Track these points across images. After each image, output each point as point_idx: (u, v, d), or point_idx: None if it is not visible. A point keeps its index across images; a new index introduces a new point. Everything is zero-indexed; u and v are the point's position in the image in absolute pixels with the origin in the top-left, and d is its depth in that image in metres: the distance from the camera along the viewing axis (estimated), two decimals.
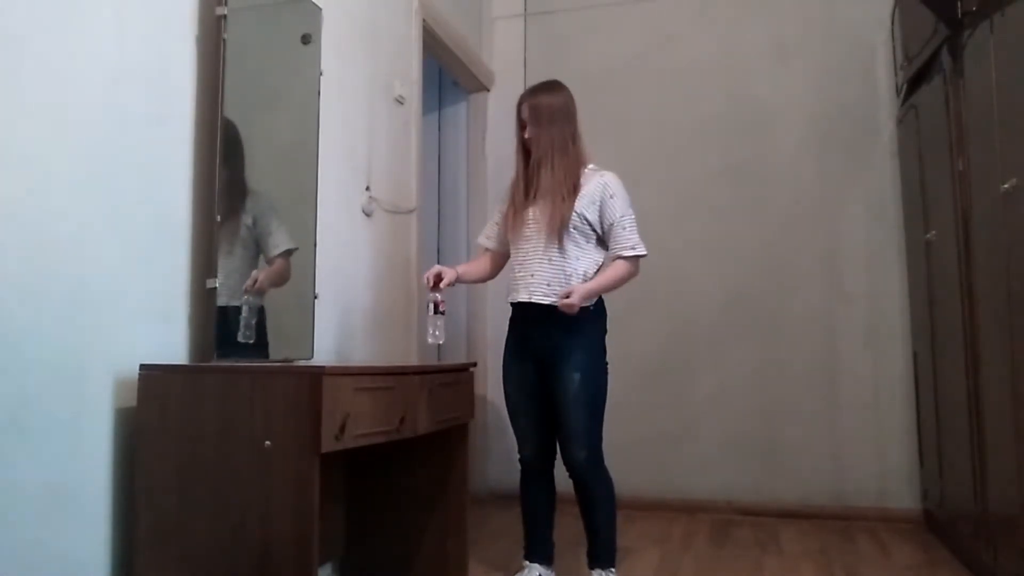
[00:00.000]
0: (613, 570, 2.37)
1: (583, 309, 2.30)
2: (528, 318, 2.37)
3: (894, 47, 3.56)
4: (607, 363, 2.38)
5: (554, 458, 2.41)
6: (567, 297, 2.25)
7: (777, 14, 3.87)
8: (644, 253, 2.36)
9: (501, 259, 2.56)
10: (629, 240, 2.34)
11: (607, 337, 2.40)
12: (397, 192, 3.14)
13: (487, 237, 2.58)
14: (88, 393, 1.70)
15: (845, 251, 3.69)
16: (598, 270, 2.36)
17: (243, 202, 2.18)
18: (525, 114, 2.39)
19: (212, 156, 2.02)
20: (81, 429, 1.68)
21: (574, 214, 2.30)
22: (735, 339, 3.77)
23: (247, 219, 2.19)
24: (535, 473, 2.41)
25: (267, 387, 1.69)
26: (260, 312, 2.23)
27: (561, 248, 2.32)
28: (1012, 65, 2.21)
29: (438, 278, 2.37)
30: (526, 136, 2.39)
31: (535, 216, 2.36)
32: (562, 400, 2.30)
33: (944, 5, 2.67)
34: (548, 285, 2.32)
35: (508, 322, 2.46)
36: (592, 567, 2.37)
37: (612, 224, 2.34)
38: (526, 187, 2.40)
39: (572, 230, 2.31)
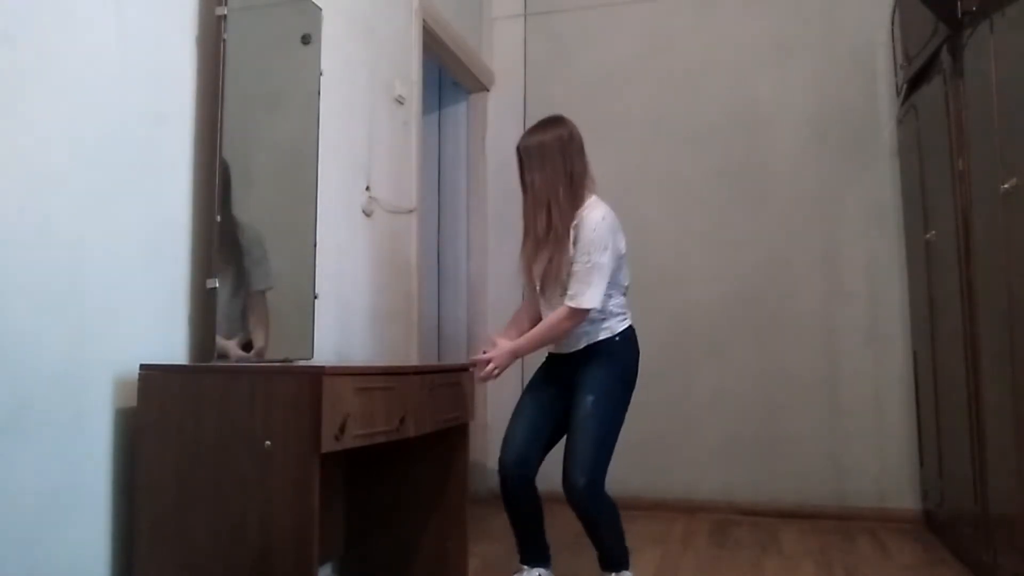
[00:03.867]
0: (627, 572, 2.35)
1: (608, 340, 2.32)
2: (563, 362, 2.39)
3: (894, 47, 3.56)
4: (628, 399, 2.35)
5: (535, 471, 2.33)
6: (488, 364, 2.29)
7: (777, 14, 3.87)
8: (583, 307, 2.22)
9: None
10: (574, 287, 2.23)
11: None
12: (397, 192, 3.14)
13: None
14: (88, 393, 1.70)
15: (845, 251, 3.69)
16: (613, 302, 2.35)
17: (237, 238, 2.12)
18: (522, 158, 2.34)
19: (212, 156, 2.02)
20: (81, 429, 1.68)
21: (571, 263, 2.26)
22: (735, 339, 3.77)
23: (238, 252, 2.14)
24: (510, 481, 2.31)
25: (267, 387, 1.69)
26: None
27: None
28: (1012, 65, 2.21)
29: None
30: (525, 180, 2.33)
31: (540, 268, 2.33)
32: (573, 421, 2.26)
33: (944, 5, 2.67)
34: (574, 336, 2.33)
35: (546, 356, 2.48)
36: (605, 570, 2.35)
37: (571, 265, 2.26)
38: (528, 232, 2.36)
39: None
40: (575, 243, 2.25)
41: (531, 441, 2.33)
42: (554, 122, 2.37)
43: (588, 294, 2.22)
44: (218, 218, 2.00)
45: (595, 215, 2.27)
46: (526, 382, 2.51)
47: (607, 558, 2.35)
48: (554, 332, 2.29)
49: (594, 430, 2.24)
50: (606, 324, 2.34)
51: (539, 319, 2.42)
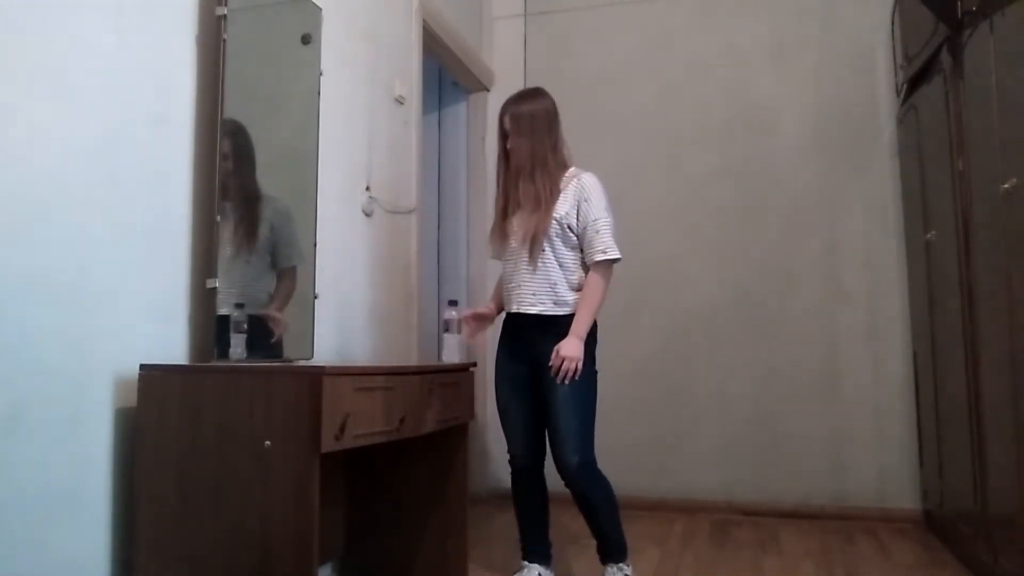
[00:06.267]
0: (624, 564, 2.37)
1: (572, 316, 2.30)
2: (520, 326, 2.39)
3: (894, 47, 3.56)
4: (596, 371, 2.36)
5: (544, 457, 2.39)
6: (562, 361, 2.22)
7: (777, 14, 3.87)
8: (615, 257, 2.30)
9: None
10: (600, 244, 2.29)
11: (598, 348, 2.38)
12: (397, 192, 3.14)
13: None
14: (88, 393, 1.70)
15: (845, 251, 3.69)
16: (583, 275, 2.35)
17: (257, 208, 2.19)
18: (507, 124, 2.36)
19: (212, 156, 2.02)
20: (81, 429, 1.68)
21: (552, 222, 2.29)
22: (735, 339, 3.77)
23: (264, 226, 2.21)
24: (525, 472, 2.40)
25: (267, 387, 1.69)
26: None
27: (543, 257, 2.31)
28: (1012, 65, 2.21)
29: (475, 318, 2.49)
30: (508, 146, 2.36)
31: (516, 228, 2.35)
32: (553, 405, 2.29)
33: (944, 5, 2.67)
34: (534, 295, 2.33)
35: (501, 326, 2.47)
36: (605, 563, 2.37)
37: (585, 228, 2.31)
38: (507, 199, 2.38)
39: (554, 237, 2.30)
40: (585, 202, 2.30)
41: (531, 431, 2.38)
42: (540, 93, 2.42)
43: (614, 246, 2.31)
44: (218, 218, 2.01)
45: (590, 177, 2.36)
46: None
47: (606, 546, 2.37)
48: (601, 294, 2.31)
49: (575, 409, 2.28)
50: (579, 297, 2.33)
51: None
